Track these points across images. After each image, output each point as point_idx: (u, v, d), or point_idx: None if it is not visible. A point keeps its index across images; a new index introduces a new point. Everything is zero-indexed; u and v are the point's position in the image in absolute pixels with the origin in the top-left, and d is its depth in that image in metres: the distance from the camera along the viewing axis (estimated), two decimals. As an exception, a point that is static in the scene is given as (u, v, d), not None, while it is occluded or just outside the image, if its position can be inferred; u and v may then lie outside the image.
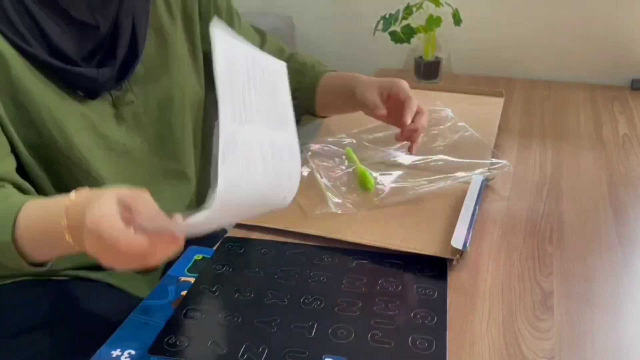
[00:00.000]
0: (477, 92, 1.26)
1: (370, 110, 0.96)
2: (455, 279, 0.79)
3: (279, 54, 1.07)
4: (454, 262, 0.80)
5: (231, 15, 1.03)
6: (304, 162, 1.00)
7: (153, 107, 0.90)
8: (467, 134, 1.13)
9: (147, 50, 0.88)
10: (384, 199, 0.96)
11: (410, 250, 0.83)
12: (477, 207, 0.91)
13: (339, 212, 0.92)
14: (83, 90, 0.81)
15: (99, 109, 0.83)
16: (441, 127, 1.16)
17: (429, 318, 0.71)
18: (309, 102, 1.06)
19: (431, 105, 1.13)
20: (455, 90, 1.27)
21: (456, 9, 1.48)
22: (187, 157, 0.96)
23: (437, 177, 1.00)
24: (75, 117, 0.80)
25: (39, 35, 0.76)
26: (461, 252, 0.80)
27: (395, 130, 0.97)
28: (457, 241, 0.81)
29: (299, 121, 1.06)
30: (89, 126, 0.82)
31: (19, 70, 0.75)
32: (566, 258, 0.83)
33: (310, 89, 1.05)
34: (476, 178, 0.99)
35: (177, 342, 0.69)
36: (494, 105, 1.20)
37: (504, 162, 1.04)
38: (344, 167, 1.03)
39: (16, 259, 0.67)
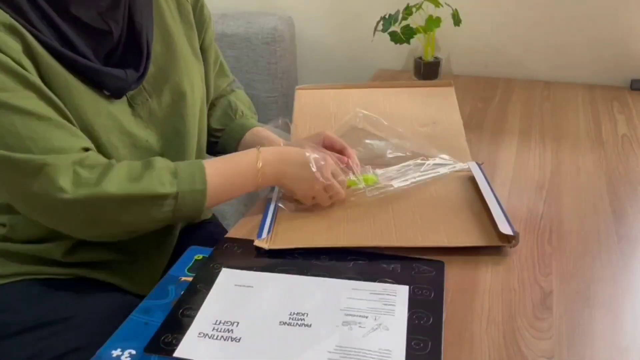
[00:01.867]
0: (427, 85, 1.27)
1: None
2: (454, 279, 0.79)
3: (223, 79, 1.12)
4: (510, 247, 0.82)
5: (212, 33, 1.04)
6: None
7: (167, 104, 0.92)
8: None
9: (155, 48, 0.90)
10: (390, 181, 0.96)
11: (460, 245, 0.83)
12: (494, 192, 0.92)
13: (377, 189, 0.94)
14: (110, 90, 0.83)
15: (120, 109, 0.85)
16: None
17: (425, 318, 0.71)
18: (230, 147, 1.08)
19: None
20: (404, 85, 1.27)
21: (456, 9, 1.48)
22: (192, 151, 0.97)
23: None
24: (103, 117, 0.82)
25: (62, 41, 0.77)
26: (514, 237, 0.82)
27: None
28: (505, 228, 0.82)
29: (217, 153, 1.09)
30: (116, 125, 0.84)
31: (51, 69, 0.76)
32: (565, 258, 0.83)
33: (233, 138, 1.08)
34: (472, 165, 1.00)
35: (173, 341, 0.69)
36: (448, 96, 1.21)
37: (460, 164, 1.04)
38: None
39: (200, 207, 0.81)
